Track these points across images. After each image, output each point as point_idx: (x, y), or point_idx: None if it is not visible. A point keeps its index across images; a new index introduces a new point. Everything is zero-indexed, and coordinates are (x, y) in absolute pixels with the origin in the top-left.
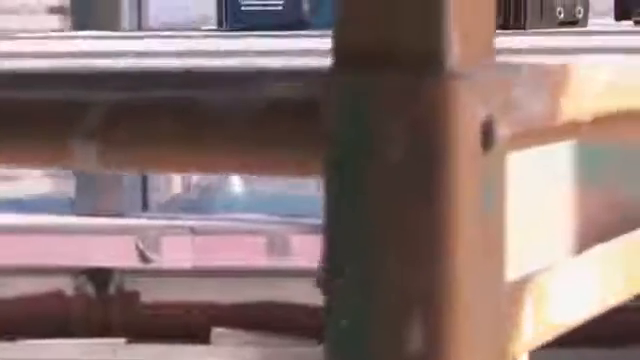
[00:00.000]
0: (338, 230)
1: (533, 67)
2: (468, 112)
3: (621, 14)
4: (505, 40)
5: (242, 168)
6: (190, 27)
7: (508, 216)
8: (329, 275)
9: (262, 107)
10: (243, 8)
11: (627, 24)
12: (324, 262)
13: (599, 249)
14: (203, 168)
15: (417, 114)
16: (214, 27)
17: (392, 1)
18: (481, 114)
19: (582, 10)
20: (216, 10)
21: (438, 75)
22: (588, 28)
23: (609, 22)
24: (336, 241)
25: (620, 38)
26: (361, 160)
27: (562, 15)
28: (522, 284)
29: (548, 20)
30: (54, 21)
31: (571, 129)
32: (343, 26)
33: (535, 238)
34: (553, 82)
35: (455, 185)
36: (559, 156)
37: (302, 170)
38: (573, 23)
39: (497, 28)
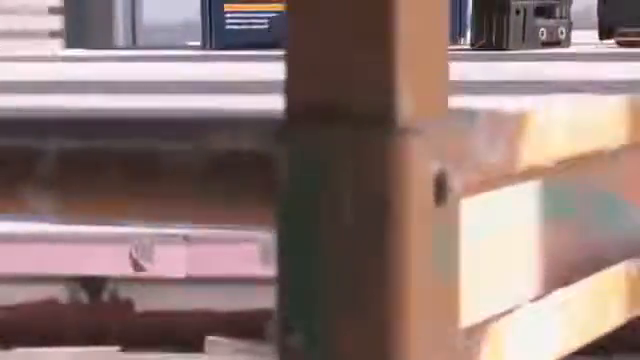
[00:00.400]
0: (288, 285)
1: (490, 114)
2: (420, 167)
3: (605, 33)
4: (481, 67)
5: (195, 219)
6: (184, 31)
7: (466, 261)
8: (280, 331)
9: (216, 157)
10: (227, 27)
11: (611, 43)
12: (275, 317)
13: (563, 291)
14: (156, 219)
15: (368, 170)
16: (200, 41)
17: (342, 56)
18: (434, 168)
19: (564, 31)
20: (201, 29)
21: (389, 131)
22: (570, 50)
23: (594, 40)
24: (286, 296)
25: (599, 65)
26: (311, 215)
27: (544, 36)
28: (479, 331)
29: (531, 41)
30: (55, 21)
31: (532, 174)
32: (293, 80)
33: (497, 282)
34: (511, 128)
35: (408, 240)
36: (523, 196)
37: (256, 222)
38: (556, 44)
39: (479, 49)
